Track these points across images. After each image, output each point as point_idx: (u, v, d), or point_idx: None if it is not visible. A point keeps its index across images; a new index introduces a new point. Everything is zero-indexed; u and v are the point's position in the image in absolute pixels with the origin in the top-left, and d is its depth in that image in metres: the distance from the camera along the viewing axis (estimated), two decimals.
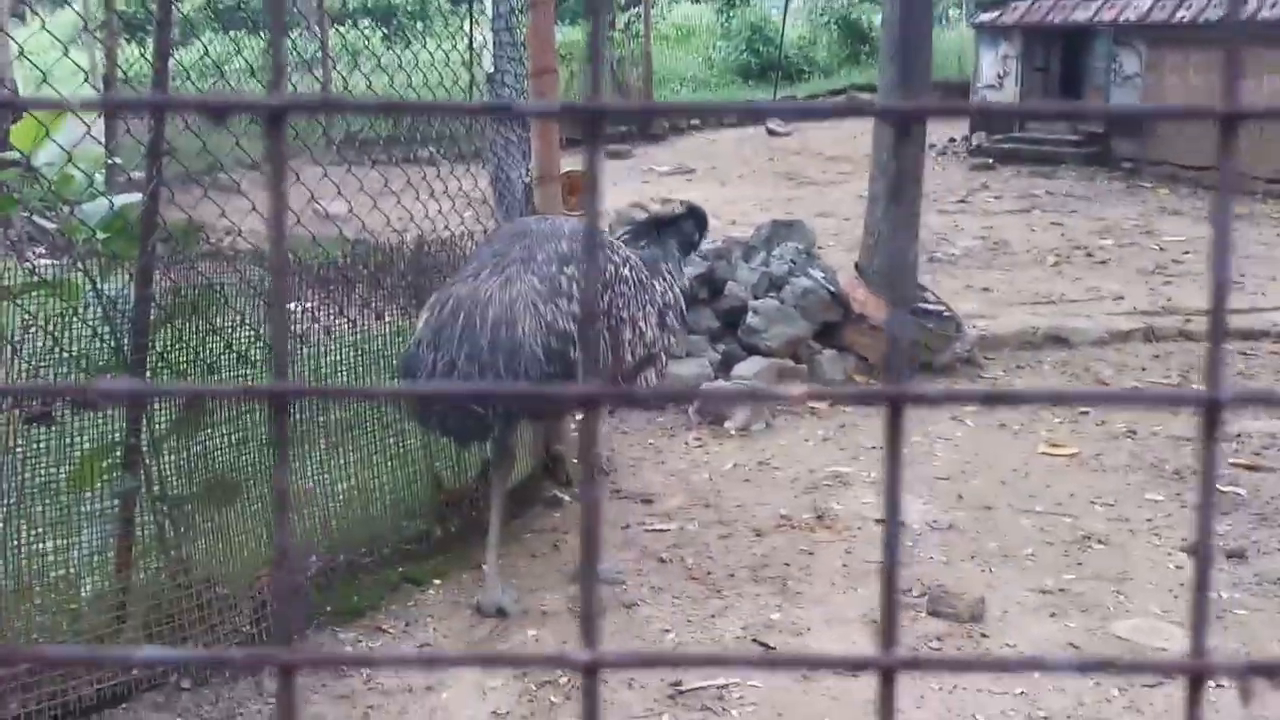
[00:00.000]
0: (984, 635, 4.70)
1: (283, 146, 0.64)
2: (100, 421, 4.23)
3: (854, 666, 0.68)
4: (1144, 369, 8.12)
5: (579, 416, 5.38)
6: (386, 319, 5.39)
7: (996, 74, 19.08)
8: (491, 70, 6.53)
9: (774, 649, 4.57)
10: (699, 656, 0.66)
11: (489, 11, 6.34)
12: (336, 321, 5.17)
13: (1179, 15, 16.40)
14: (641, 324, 5.03)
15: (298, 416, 4.96)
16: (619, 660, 0.67)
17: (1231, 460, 6.46)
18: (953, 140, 19.93)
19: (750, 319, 7.83)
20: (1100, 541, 5.55)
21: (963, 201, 15.17)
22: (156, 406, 4.36)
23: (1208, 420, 0.67)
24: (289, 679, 0.66)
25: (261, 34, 9.20)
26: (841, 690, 4.31)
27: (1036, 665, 0.70)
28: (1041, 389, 0.69)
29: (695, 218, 5.79)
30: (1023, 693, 4.29)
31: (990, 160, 18.17)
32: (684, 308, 5.61)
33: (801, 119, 20.54)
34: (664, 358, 5.27)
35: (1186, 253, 11.83)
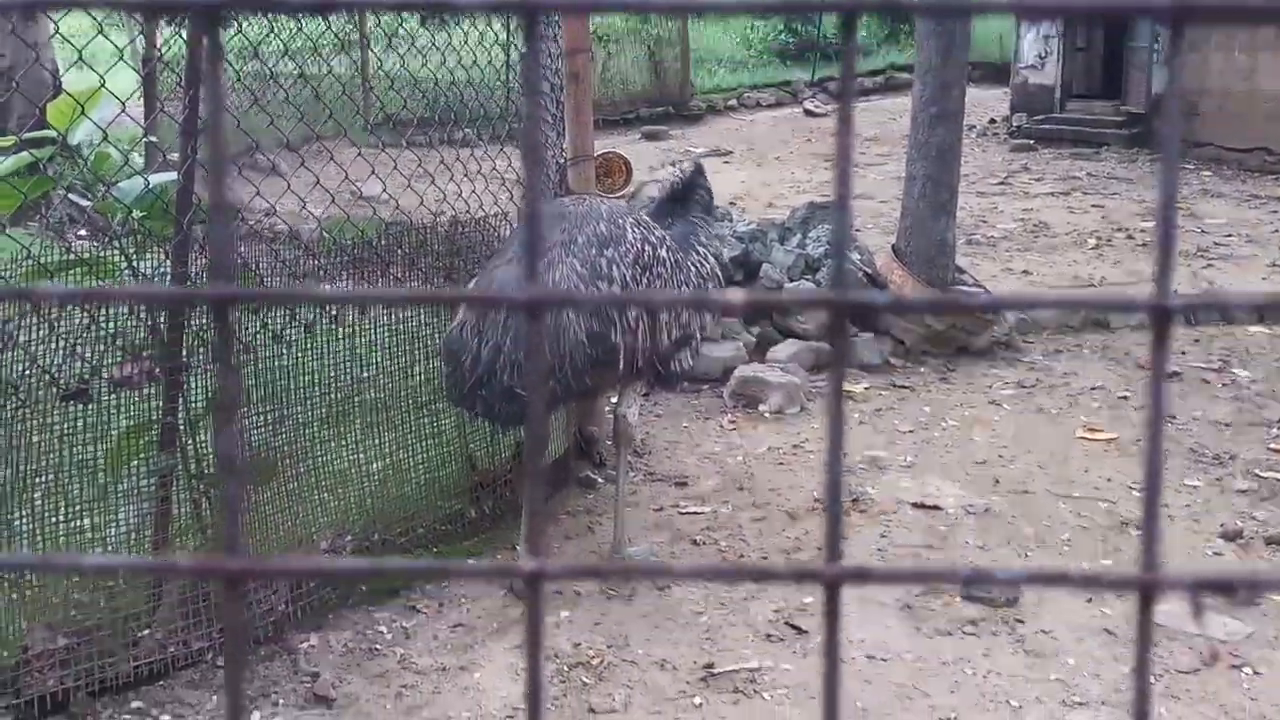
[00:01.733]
0: (1019, 620, 4.67)
1: (219, 47, 0.65)
2: (137, 400, 4.25)
3: (799, 578, 0.67)
4: (1184, 352, 8.02)
5: (614, 398, 5.37)
6: None
7: (1038, 54, 18.89)
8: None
9: (807, 632, 4.56)
10: (645, 567, 0.66)
11: None
12: None
13: None
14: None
15: (334, 397, 4.97)
16: (562, 572, 0.67)
17: (1272, 446, 6.38)
18: (993, 122, 19.76)
19: None
20: (1138, 527, 5.50)
21: (1002, 183, 15.05)
22: (193, 385, 4.38)
23: (1157, 327, 0.67)
24: (235, 589, 0.66)
25: (299, 17, 9.22)
26: (874, 673, 4.29)
27: (986, 578, 0.70)
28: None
29: (701, 173, 5.70)
30: (1058, 679, 4.26)
31: (1031, 141, 17.99)
32: (721, 276, 5.56)
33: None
34: (699, 337, 5.25)
35: (1229, 235, 11.68)
